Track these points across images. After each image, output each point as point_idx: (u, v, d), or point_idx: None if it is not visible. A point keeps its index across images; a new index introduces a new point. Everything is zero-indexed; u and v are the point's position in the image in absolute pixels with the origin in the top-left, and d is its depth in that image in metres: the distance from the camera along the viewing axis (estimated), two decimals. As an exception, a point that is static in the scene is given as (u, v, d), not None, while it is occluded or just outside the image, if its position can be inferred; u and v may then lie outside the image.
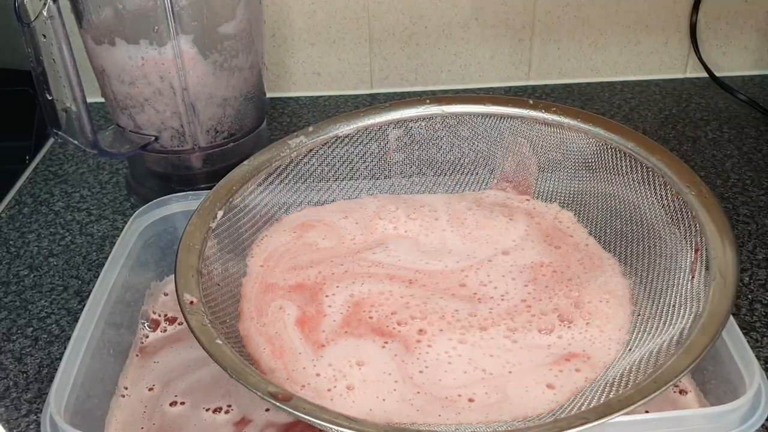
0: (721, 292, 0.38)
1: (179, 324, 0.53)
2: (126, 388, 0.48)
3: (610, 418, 0.33)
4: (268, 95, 0.78)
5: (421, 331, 0.45)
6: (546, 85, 0.88)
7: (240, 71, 0.64)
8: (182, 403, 0.47)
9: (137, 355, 0.51)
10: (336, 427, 0.34)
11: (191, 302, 0.41)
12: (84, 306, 0.48)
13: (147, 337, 0.52)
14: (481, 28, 0.84)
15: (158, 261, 0.56)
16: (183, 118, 0.63)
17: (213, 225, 0.47)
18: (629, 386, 0.37)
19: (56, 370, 0.43)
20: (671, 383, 0.34)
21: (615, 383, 0.39)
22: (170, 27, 0.59)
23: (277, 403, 0.35)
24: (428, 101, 0.55)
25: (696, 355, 0.35)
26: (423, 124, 0.55)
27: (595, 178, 0.52)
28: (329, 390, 0.41)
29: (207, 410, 0.47)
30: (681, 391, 0.46)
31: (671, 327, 0.40)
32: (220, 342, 0.38)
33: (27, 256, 0.64)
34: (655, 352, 0.39)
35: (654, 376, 0.35)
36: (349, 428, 0.34)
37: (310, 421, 0.34)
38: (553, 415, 0.39)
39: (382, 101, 0.86)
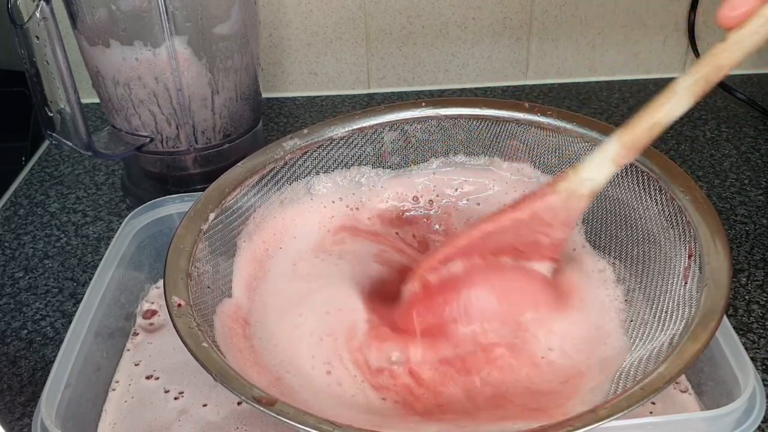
0: (713, 299, 0.38)
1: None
2: (114, 390, 0.48)
3: (595, 425, 0.32)
4: (265, 96, 0.78)
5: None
6: (544, 85, 0.88)
7: (235, 72, 0.64)
8: (176, 399, 0.47)
9: (128, 350, 0.51)
10: None
11: (179, 305, 0.41)
12: (77, 308, 0.47)
13: (137, 334, 0.52)
14: (479, 28, 0.84)
15: (152, 263, 0.56)
16: (178, 119, 0.63)
17: (204, 227, 0.47)
18: (618, 392, 0.37)
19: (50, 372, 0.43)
20: (659, 391, 0.33)
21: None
22: (164, 28, 0.58)
23: (262, 408, 0.35)
24: (424, 104, 0.55)
25: (685, 362, 0.35)
26: (418, 127, 0.55)
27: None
28: None
29: (203, 406, 0.47)
30: (682, 390, 0.46)
31: (663, 333, 0.40)
32: (206, 345, 0.38)
33: (22, 258, 0.64)
34: (646, 358, 0.39)
35: (642, 383, 0.34)
36: None
37: (295, 426, 0.34)
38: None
39: (380, 101, 0.86)
